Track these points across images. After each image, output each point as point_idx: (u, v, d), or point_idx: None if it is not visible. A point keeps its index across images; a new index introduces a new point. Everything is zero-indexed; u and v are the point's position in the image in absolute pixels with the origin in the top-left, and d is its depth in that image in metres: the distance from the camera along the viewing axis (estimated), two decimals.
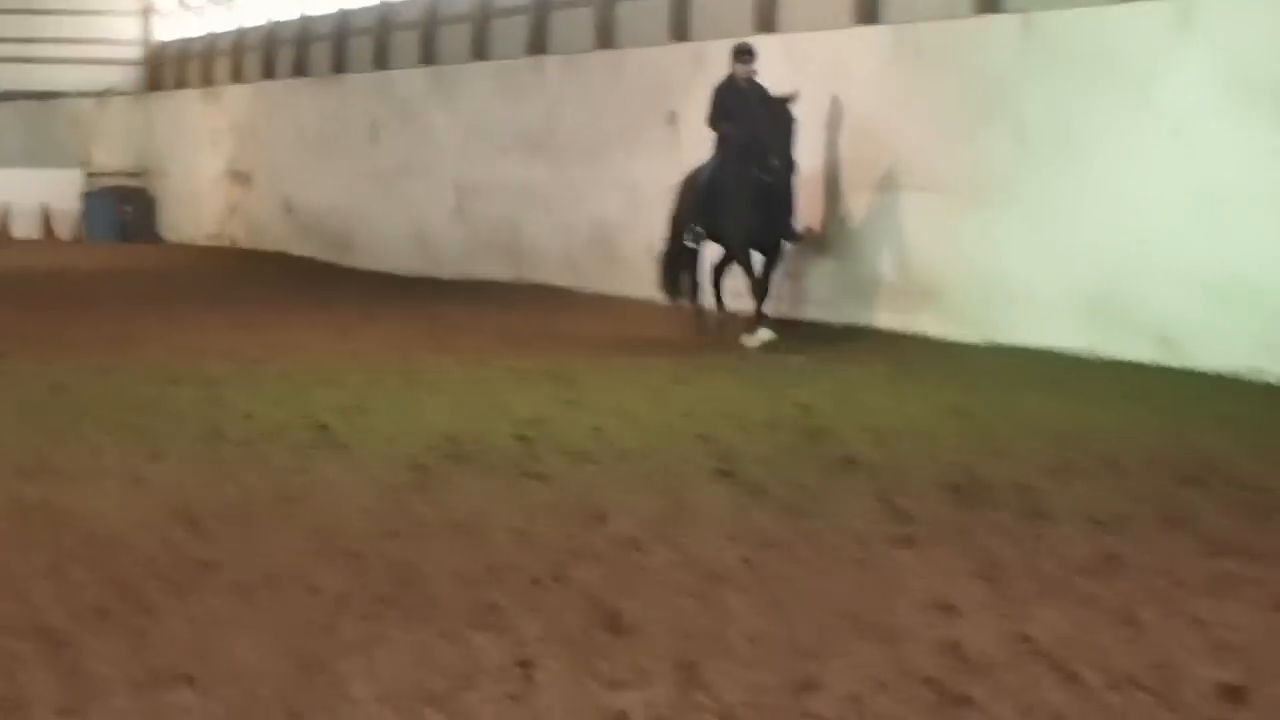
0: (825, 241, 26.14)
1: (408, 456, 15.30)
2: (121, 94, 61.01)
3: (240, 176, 51.22)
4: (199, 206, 54.31)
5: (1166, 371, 20.17)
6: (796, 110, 24.16)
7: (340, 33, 47.82)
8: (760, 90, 24.53)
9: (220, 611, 10.00)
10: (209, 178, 53.52)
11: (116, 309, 30.93)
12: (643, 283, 31.64)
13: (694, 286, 26.06)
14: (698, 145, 30.44)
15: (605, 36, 35.97)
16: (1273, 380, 19.00)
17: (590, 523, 12.52)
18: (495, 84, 38.53)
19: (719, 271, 25.64)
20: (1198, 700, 8.26)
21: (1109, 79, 21.99)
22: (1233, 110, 20.00)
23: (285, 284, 37.82)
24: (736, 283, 25.23)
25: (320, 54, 49.14)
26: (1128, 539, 11.92)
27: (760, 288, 24.39)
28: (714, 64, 30.79)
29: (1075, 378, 20.22)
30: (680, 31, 33.55)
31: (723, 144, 24.76)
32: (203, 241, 52.84)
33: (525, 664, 8.90)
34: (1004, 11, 25.79)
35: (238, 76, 54.28)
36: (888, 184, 26.03)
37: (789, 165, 24.00)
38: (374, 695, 8.38)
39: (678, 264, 26.15)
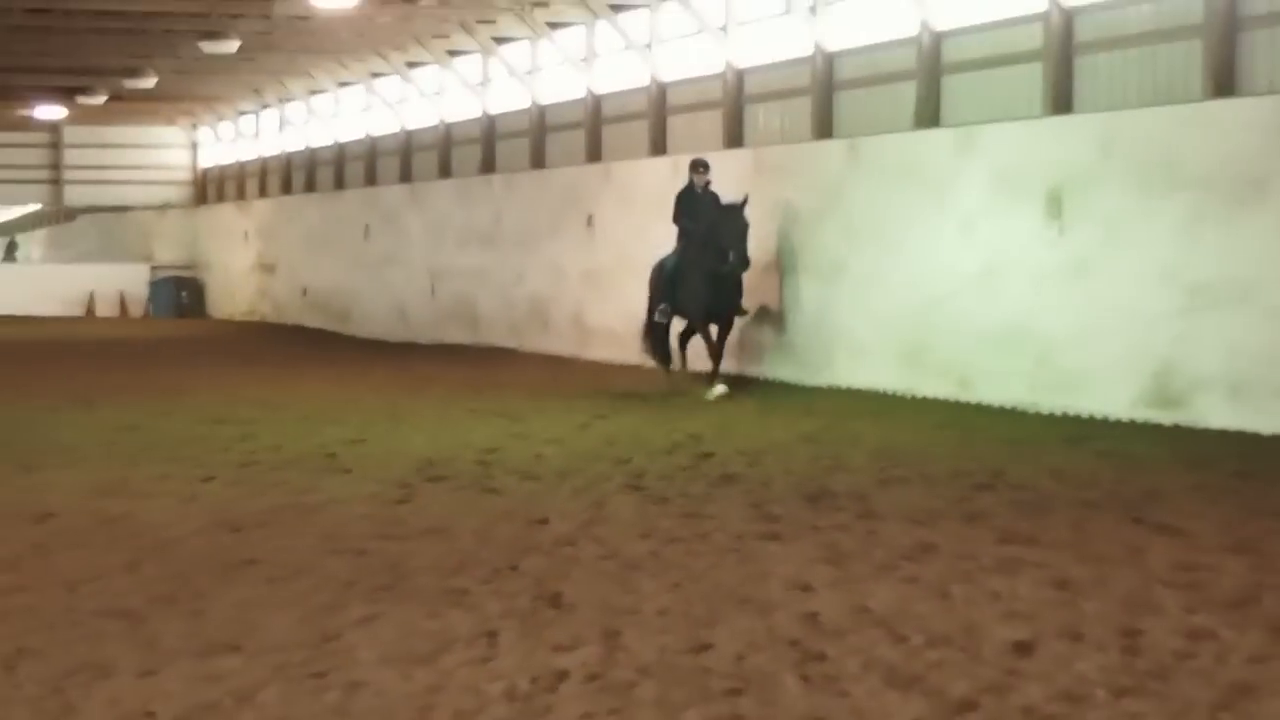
0: (781, 317, 25.15)
1: (396, 477, 15.17)
2: (176, 207, 60.84)
3: (266, 267, 51.19)
4: (236, 290, 54.20)
5: (963, 405, 20.23)
6: (748, 212, 22.82)
7: (339, 158, 47.78)
8: (712, 195, 23.35)
9: (258, 596, 9.92)
10: (243, 269, 53.46)
11: (175, 368, 30.76)
12: (567, 343, 31.78)
13: (666, 353, 24.34)
14: (607, 238, 30.60)
15: (538, 159, 35.96)
16: (1043, 410, 19.05)
17: (535, 526, 12.44)
18: (455, 195, 38.50)
19: (684, 339, 24.21)
20: (995, 654, 8.25)
21: (913, 186, 22.11)
22: (1002, 207, 20.18)
23: (301, 348, 37.63)
24: (700, 345, 23.98)
25: (324, 174, 49.10)
26: (938, 532, 11.92)
27: (716, 352, 23.02)
28: (619, 177, 30.92)
29: (894, 411, 20.22)
30: (594, 154, 33.53)
31: (683, 237, 23.42)
32: (240, 317, 52.64)
33: (490, 634, 8.84)
34: (835, 137, 25.84)
35: (263, 192, 54.16)
36: (759, 266, 26.04)
37: (744, 259, 22.57)
38: (376, 658, 8.31)
39: (654, 335, 24.46)
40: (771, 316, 25.50)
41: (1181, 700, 7.38)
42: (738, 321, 23.83)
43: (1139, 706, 7.28)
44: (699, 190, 23.40)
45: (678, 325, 24.26)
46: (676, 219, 23.46)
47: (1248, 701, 7.32)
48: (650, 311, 24.26)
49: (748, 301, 23.73)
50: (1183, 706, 7.27)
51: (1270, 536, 11.53)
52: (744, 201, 22.77)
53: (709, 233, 22.68)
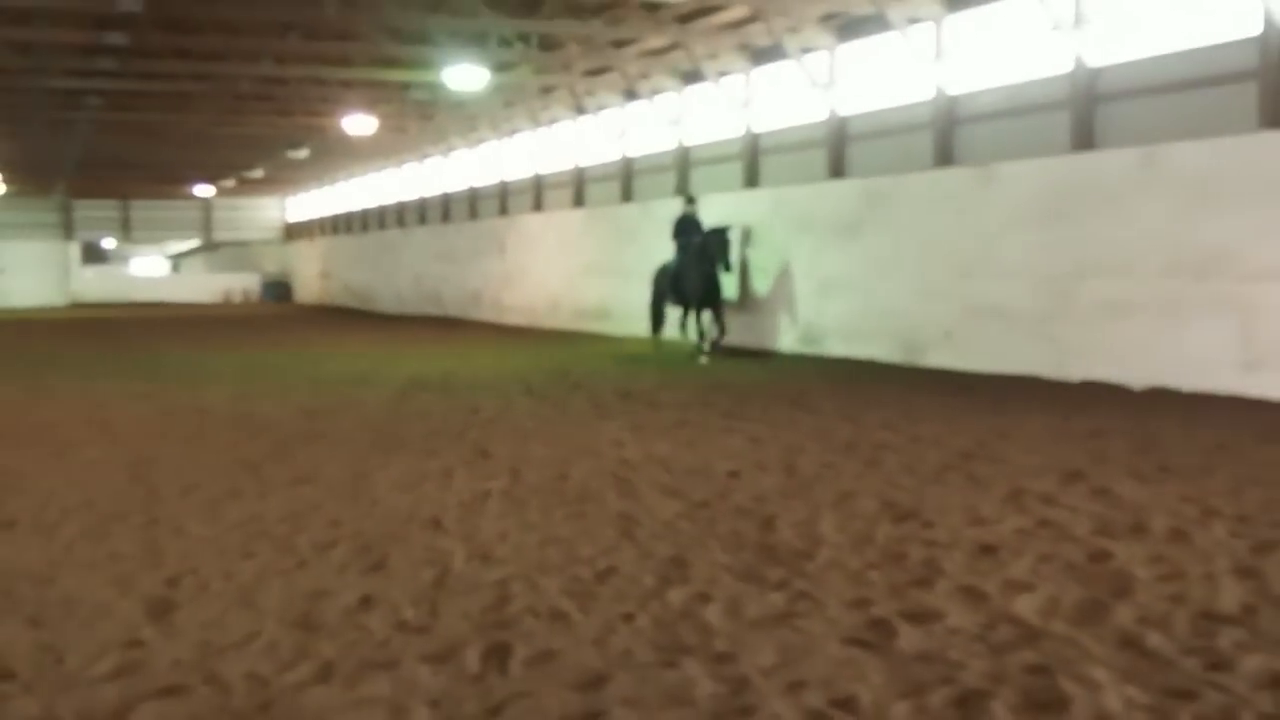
0: (620, 299, 24.30)
1: (397, 387, 14.96)
2: (275, 242, 59.71)
3: (325, 274, 50.41)
4: (309, 287, 53.23)
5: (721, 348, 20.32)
6: (732, 234, 19.20)
7: (365, 215, 47.14)
8: (698, 221, 19.28)
9: (322, 453, 9.69)
10: (313, 275, 52.55)
11: (274, 331, 30.20)
12: (492, 315, 31.61)
13: (660, 326, 20.25)
14: (511, 258, 30.32)
15: (473, 214, 35.65)
16: (750, 347, 19.09)
17: (473, 412, 12.28)
18: (429, 234, 38.15)
19: (683, 321, 19.92)
20: (720, 478, 8.24)
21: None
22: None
23: (344, 319, 36.97)
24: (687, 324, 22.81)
25: (357, 224, 48.35)
26: (688, 413, 11.94)
27: (718, 330, 18.89)
28: (517, 224, 30.70)
29: (672, 348, 20.25)
30: (503, 211, 33.31)
31: (680, 250, 19.21)
32: (311, 302, 51.62)
33: (448, 472, 8.69)
34: (633, 201, 25.77)
35: (324, 233, 53.14)
36: (588, 272, 25.91)
37: (727, 264, 18.48)
38: (386, 485, 8.14)
39: (656, 316, 20.31)
40: (600, 299, 25.47)
41: (816, 499, 7.44)
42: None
43: (794, 503, 7.32)
44: (689, 216, 19.47)
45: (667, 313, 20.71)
46: (674, 236, 19.52)
47: (852, 501, 7.40)
48: (654, 298, 20.40)
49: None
50: (818, 503, 7.33)
51: (865, 412, 11.70)
52: (727, 227, 19.12)
53: (703, 246, 18.82)
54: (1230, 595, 5.12)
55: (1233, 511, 6.82)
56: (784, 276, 19.30)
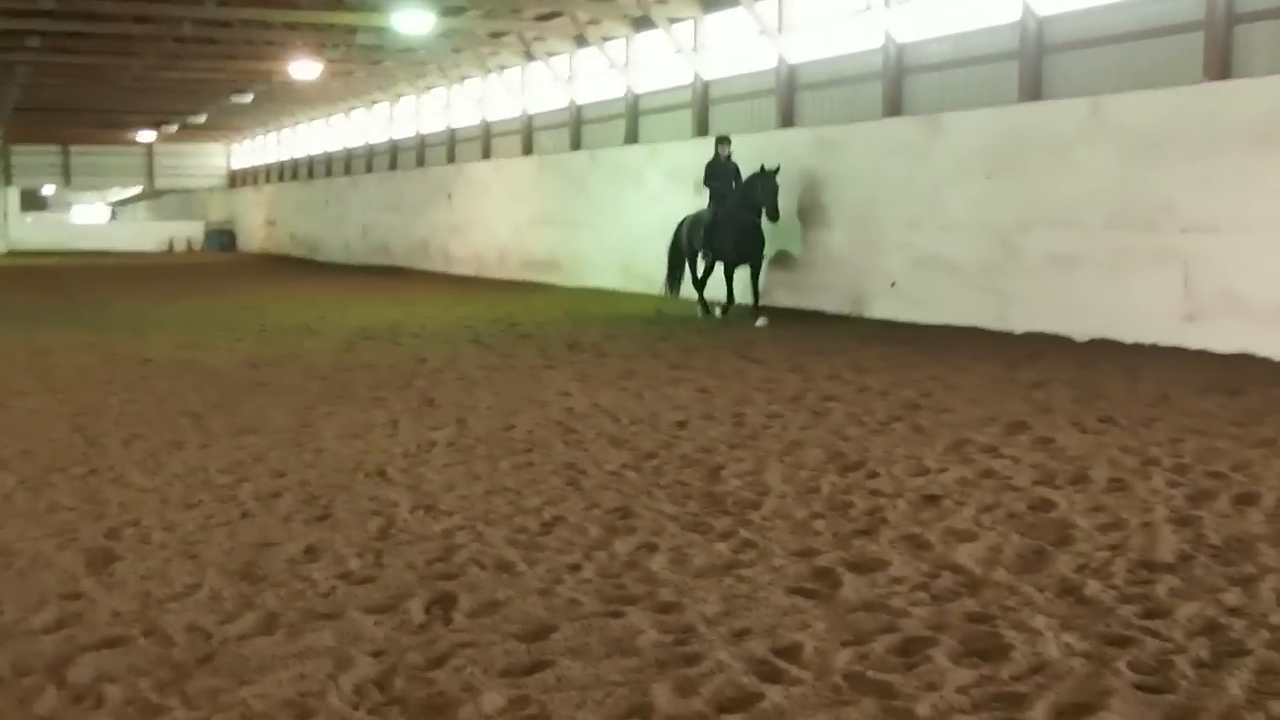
0: (555, 250, 24.49)
1: (344, 337, 14.81)
2: (219, 189, 58.80)
3: (271, 223, 49.68)
4: (254, 236, 52.48)
5: (652, 296, 20.04)
6: (779, 178, 16.23)
7: (310, 161, 46.45)
8: (734, 165, 17.00)
9: (267, 403, 9.60)
10: (258, 223, 51.80)
11: (219, 280, 29.77)
12: (439, 265, 31.42)
13: (678, 284, 17.96)
14: (459, 207, 30.08)
15: (420, 162, 35.25)
16: (693, 299, 19.07)
17: (420, 362, 12.20)
18: (376, 182, 37.66)
19: (703, 281, 17.43)
20: (667, 427, 8.25)
21: (625, 176, 22.00)
22: (671, 190, 20.10)
23: (290, 269, 36.52)
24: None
25: (302, 170, 47.65)
26: (636, 363, 11.93)
27: (754, 290, 16.74)
28: (465, 172, 30.43)
29: (615, 300, 20.19)
30: (451, 159, 32.96)
31: (712, 198, 16.96)
32: (256, 251, 50.90)
33: (394, 421, 8.64)
34: (582, 149, 25.60)
35: (269, 180, 52.33)
36: (537, 221, 25.74)
37: (774, 214, 16.07)
38: (332, 435, 8.08)
39: (673, 271, 17.92)
40: (551, 249, 25.36)
41: (764, 449, 7.46)
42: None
43: (741, 453, 7.35)
44: (722, 160, 17.09)
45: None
46: (706, 182, 17.22)
47: (799, 451, 7.43)
48: (671, 251, 18.06)
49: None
50: (765, 453, 7.35)
51: (811, 363, 11.73)
52: (777, 169, 16.28)
53: (744, 192, 16.45)
54: (1168, 544, 5.20)
55: (1172, 462, 6.93)
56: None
